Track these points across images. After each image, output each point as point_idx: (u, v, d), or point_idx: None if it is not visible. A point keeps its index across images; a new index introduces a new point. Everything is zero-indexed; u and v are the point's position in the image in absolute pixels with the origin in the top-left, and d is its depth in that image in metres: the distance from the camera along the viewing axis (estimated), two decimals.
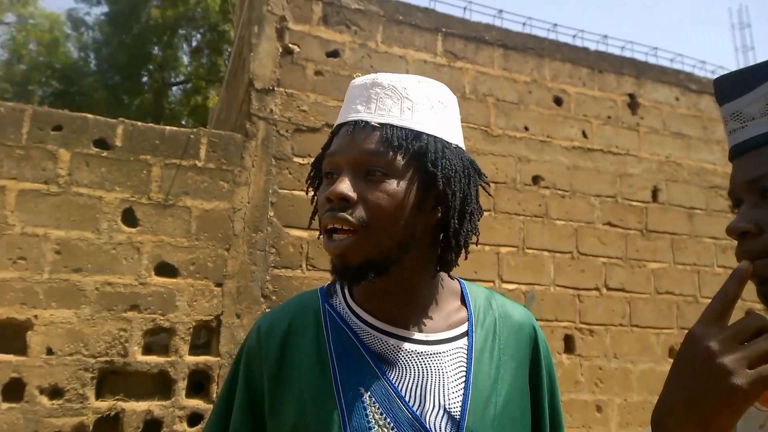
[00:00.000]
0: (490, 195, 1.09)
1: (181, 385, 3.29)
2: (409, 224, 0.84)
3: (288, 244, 3.68)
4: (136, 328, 3.23)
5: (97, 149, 3.35)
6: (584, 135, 4.84)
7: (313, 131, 3.91)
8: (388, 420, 0.82)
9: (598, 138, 4.89)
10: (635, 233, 4.83)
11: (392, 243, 0.83)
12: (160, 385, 3.28)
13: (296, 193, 3.74)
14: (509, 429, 0.86)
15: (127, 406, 3.17)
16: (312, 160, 0.95)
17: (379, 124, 0.85)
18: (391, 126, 0.85)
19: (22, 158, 3.20)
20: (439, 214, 0.87)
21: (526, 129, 4.65)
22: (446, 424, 0.83)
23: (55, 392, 3.06)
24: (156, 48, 13.66)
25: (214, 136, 3.63)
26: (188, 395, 3.31)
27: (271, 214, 3.68)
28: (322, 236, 0.86)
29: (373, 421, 0.81)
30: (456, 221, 0.87)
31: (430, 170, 0.85)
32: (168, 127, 3.59)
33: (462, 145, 0.92)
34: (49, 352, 3.08)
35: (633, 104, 5.15)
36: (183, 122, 15.09)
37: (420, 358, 0.86)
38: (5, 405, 2.98)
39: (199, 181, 3.50)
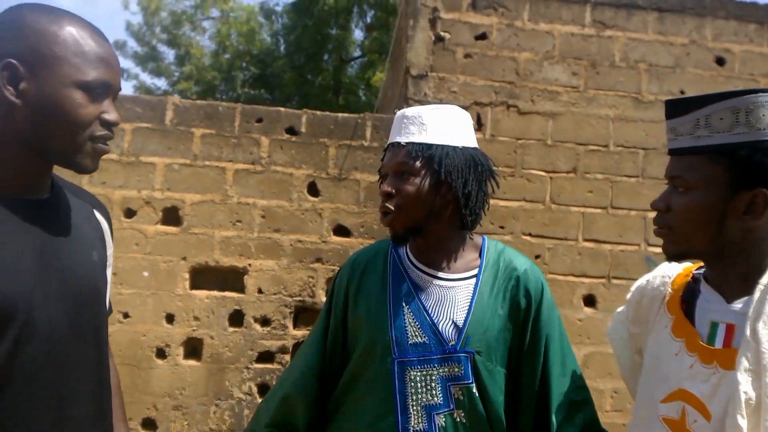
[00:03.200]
0: (493, 179, 1.41)
1: None
2: (427, 203, 1.30)
3: None
4: (320, 276, 4.07)
5: (288, 135, 4.18)
6: None
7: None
8: (417, 323, 1.29)
9: None
10: None
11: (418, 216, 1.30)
12: None
13: None
14: (493, 341, 1.29)
15: None
16: None
17: (404, 143, 1.31)
18: (412, 143, 1.30)
19: (235, 145, 4.15)
20: (450, 195, 1.31)
21: (682, 93, 4.63)
22: (452, 330, 1.28)
23: (264, 321, 4.01)
24: (334, 29, 14.90)
25: (377, 120, 4.29)
26: None
27: None
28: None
29: (408, 323, 1.29)
30: (462, 198, 1.31)
31: (435, 167, 1.29)
32: (340, 114, 4.32)
33: (470, 144, 1.34)
34: (260, 291, 4.02)
35: None
36: (361, 94, 16.30)
37: (441, 288, 1.32)
38: (231, 329, 4.00)
39: (365, 158, 4.20)
